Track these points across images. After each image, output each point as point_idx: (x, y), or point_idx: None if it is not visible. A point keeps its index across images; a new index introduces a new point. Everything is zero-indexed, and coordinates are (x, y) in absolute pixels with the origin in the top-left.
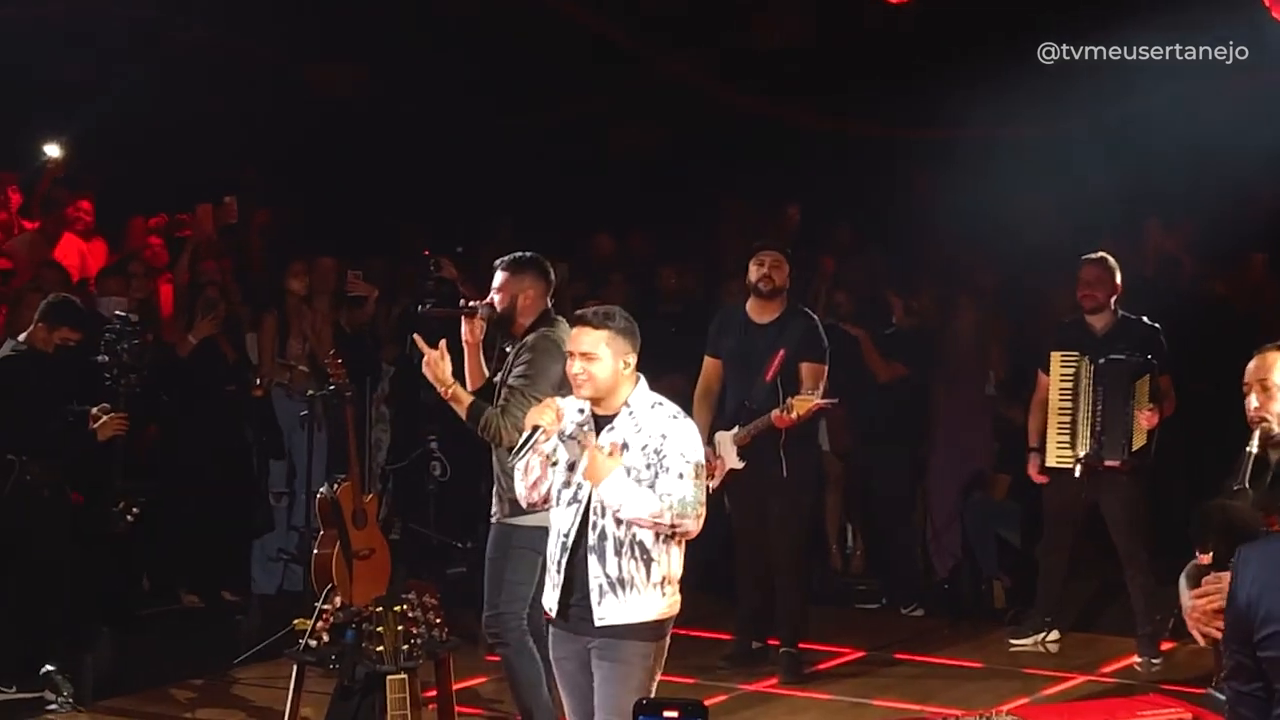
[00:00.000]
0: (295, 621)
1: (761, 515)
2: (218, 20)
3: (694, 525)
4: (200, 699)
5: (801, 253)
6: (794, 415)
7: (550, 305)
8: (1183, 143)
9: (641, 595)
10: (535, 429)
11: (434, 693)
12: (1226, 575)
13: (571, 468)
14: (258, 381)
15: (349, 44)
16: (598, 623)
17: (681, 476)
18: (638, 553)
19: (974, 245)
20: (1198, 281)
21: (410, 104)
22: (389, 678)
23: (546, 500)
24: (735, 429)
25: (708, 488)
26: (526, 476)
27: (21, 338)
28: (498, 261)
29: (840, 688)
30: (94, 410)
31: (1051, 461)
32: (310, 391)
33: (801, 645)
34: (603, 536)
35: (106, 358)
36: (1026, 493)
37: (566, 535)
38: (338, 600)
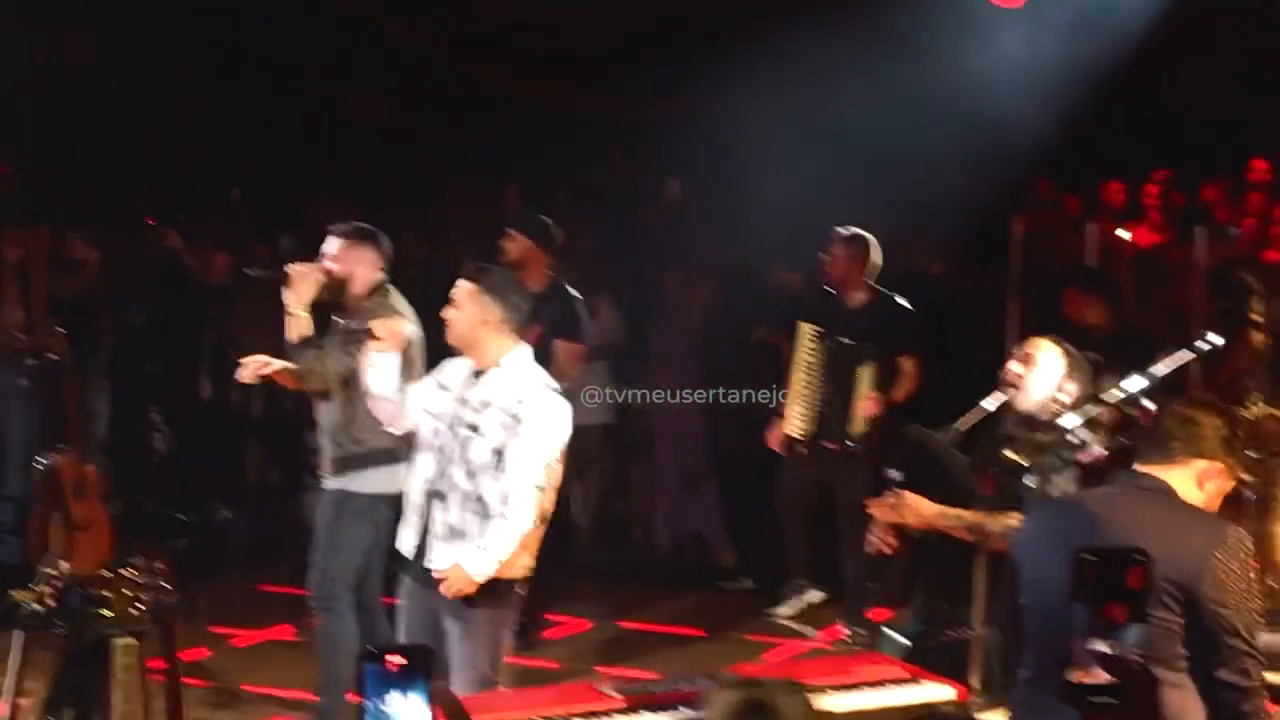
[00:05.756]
0: (14, 593)
1: None
2: None
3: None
4: None
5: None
6: None
7: (385, 277)
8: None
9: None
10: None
11: (160, 663)
12: (908, 494)
13: (448, 424)
14: None
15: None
16: (429, 567)
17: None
18: (475, 507)
19: (700, 227)
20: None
21: (138, 70)
22: (116, 642)
23: (390, 420)
24: None
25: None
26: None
27: None
28: (333, 228)
29: (565, 654)
30: None
31: (790, 430)
32: (29, 361)
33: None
34: (451, 485)
35: None
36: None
37: (429, 481)
38: (64, 565)
